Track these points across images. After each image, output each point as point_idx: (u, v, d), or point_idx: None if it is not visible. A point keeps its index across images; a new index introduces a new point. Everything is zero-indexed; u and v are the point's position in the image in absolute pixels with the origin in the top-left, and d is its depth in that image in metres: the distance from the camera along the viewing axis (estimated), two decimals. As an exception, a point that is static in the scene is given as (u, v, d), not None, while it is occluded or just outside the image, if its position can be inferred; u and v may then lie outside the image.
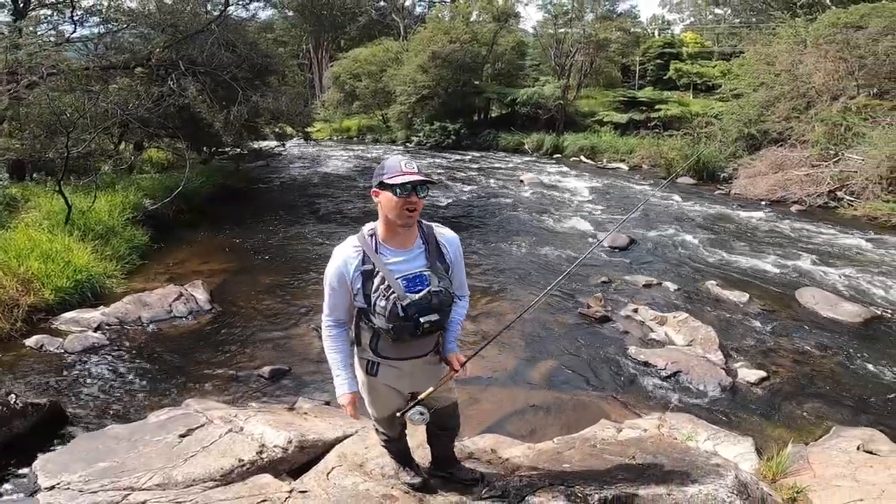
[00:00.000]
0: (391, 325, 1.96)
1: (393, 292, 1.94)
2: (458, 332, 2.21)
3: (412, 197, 1.91)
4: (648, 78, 26.52)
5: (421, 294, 1.97)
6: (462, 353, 2.22)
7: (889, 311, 6.24)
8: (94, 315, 5.50)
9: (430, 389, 2.15)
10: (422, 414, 2.11)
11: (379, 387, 2.19)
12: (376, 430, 2.46)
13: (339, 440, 2.95)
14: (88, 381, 4.42)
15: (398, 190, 1.90)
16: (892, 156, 10.52)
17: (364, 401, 2.30)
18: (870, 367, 4.96)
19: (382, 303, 1.95)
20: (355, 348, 2.21)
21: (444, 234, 2.15)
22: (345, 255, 2.01)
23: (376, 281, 1.96)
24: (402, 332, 1.98)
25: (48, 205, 7.82)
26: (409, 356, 2.10)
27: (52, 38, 10.83)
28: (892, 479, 3.02)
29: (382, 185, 1.94)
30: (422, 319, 1.96)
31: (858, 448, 3.48)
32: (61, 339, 4.97)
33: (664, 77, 25.01)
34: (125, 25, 11.12)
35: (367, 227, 2.07)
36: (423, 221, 2.10)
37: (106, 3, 10.81)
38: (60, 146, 7.99)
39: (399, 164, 1.94)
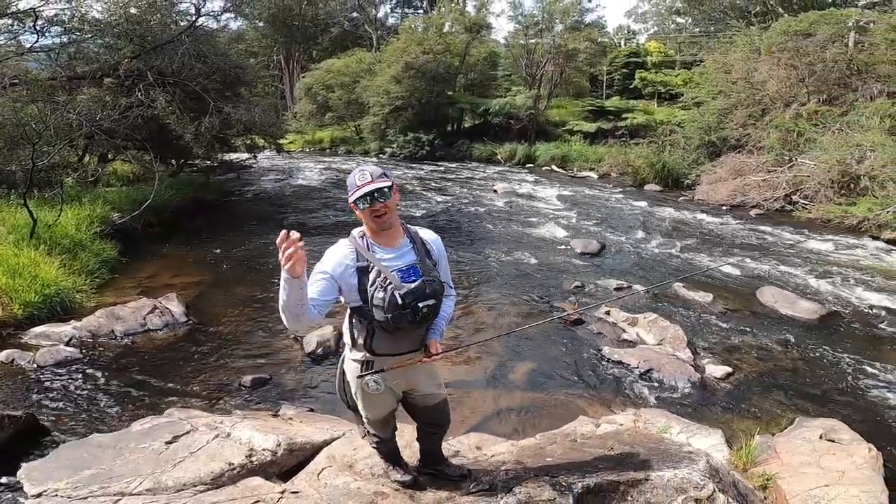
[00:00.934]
0: (390, 315, 2.05)
1: (390, 283, 2.04)
2: (443, 327, 2.30)
3: (375, 206, 2.06)
4: (615, 87, 27.25)
5: (416, 283, 2.08)
6: (442, 347, 2.30)
7: (843, 307, 6.60)
8: (66, 329, 5.39)
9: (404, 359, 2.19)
10: (377, 383, 2.18)
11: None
12: (368, 432, 2.51)
13: (327, 442, 2.99)
14: (63, 393, 4.33)
15: (360, 203, 2.06)
16: (841, 160, 11.10)
17: (358, 404, 2.36)
18: (827, 360, 5.24)
19: (381, 294, 2.03)
20: (347, 350, 2.27)
21: (427, 234, 2.31)
22: (341, 252, 2.11)
23: (372, 275, 2.07)
24: (400, 321, 2.07)
25: (12, 219, 7.58)
26: (405, 350, 2.18)
27: (12, 49, 10.54)
28: (855, 466, 3.23)
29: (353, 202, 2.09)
30: (420, 305, 2.07)
31: (821, 437, 3.68)
32: (32, 354, 4.86)
33: (630, 86, 25.75)
34: (90, 35, 10.89)
35: (356, 231, 2.19)
36: (407, 225, 2.23)
37: (69, 14, 10.60)
38: (24, 158, 7.77)
39: (354, 180, 2.08)
